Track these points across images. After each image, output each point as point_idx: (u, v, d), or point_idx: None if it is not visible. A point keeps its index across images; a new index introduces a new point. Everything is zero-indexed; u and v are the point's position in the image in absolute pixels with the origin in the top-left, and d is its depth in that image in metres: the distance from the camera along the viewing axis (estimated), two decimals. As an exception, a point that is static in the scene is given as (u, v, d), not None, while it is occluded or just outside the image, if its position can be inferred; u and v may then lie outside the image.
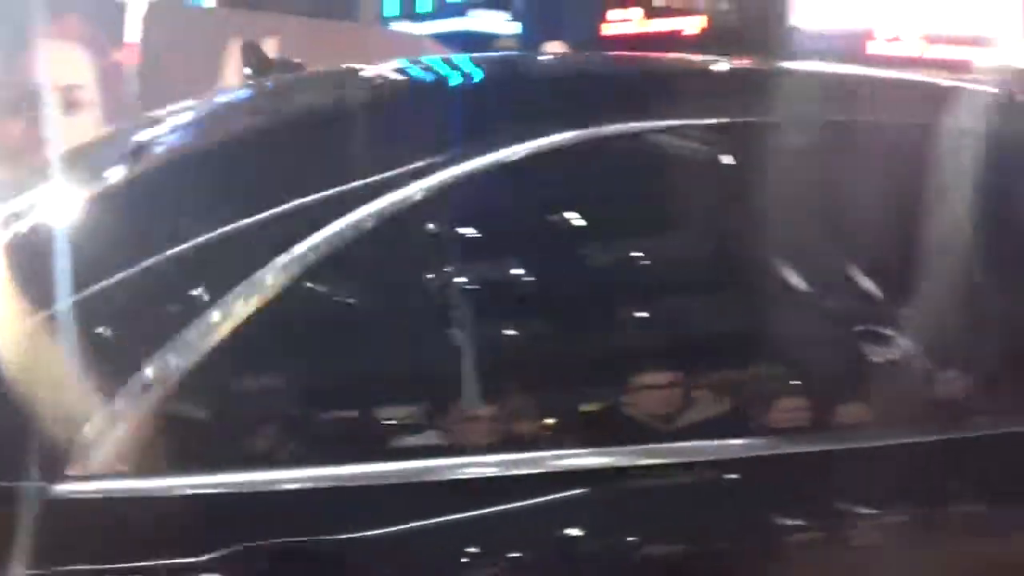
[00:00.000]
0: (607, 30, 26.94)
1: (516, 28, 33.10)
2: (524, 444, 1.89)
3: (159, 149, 2.40)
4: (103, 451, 1.59)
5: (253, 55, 3.03)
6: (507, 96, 2.35)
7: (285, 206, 1.83)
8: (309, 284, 1.80)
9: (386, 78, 2.71)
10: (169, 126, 2.50)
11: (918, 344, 2.14)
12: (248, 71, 2.98)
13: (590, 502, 1.83)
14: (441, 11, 37.74)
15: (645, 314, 2.17)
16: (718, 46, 25.08)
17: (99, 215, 1.99)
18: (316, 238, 1.78)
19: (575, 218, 2.18)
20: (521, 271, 2.09)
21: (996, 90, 2.94)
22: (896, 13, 23.93)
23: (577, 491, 1.82)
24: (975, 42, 23.17)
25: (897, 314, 2.19)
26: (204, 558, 1.58)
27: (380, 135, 2.09)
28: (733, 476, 1.95)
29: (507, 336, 2.05)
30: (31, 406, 1.60)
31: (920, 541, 2.03)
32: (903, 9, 23.98)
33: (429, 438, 1.84)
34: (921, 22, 23.76)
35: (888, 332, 2.16)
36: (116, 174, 2.23)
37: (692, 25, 25.48)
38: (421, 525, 1.71)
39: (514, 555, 1.79)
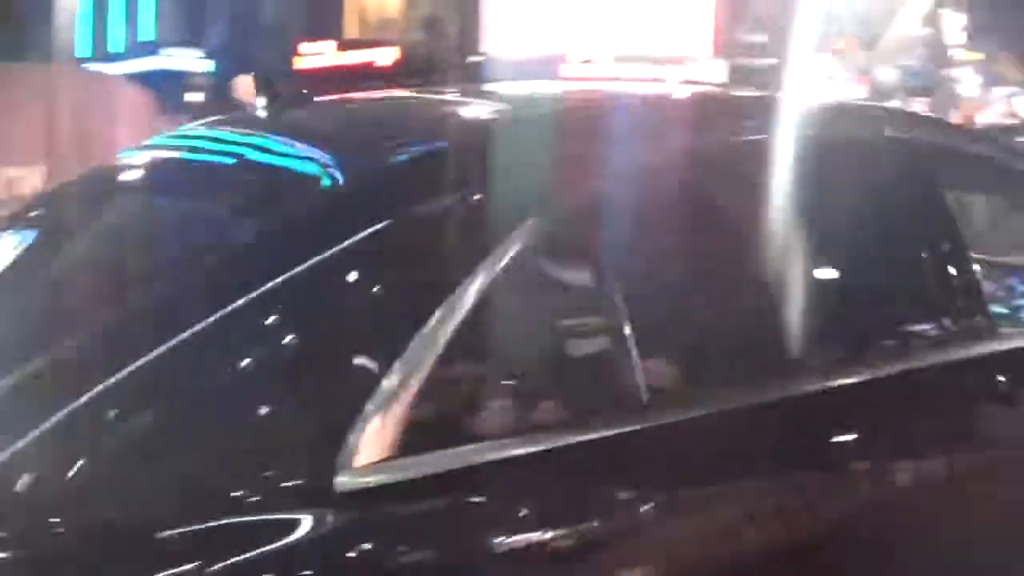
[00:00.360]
0: (300, 63, 26.36)
1: (209, 65, 32.66)
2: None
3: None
4: (373, 442, 2.07)
5: (266, 88, 3.30)
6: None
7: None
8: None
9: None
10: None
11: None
12: (262, 102, 3.25)
13: None
14: (133, 51, 37.66)
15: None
16: (413, 77, 24.92)
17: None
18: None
19: None
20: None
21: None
22: (587, 36, 24.28)
23: None
24: (667, 61, 23.85)
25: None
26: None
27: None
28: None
29: None
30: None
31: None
32: (593, 31, 24.29)
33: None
34: (612, 43, 24.11)
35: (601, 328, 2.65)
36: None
37: (385, 56, 25.16)
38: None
39: None
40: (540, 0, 24.55)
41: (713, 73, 24.25)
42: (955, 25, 55.05)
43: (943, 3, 42.16)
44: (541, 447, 2.32)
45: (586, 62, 23.47)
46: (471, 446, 2.26)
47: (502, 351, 2.48)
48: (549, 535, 2.25)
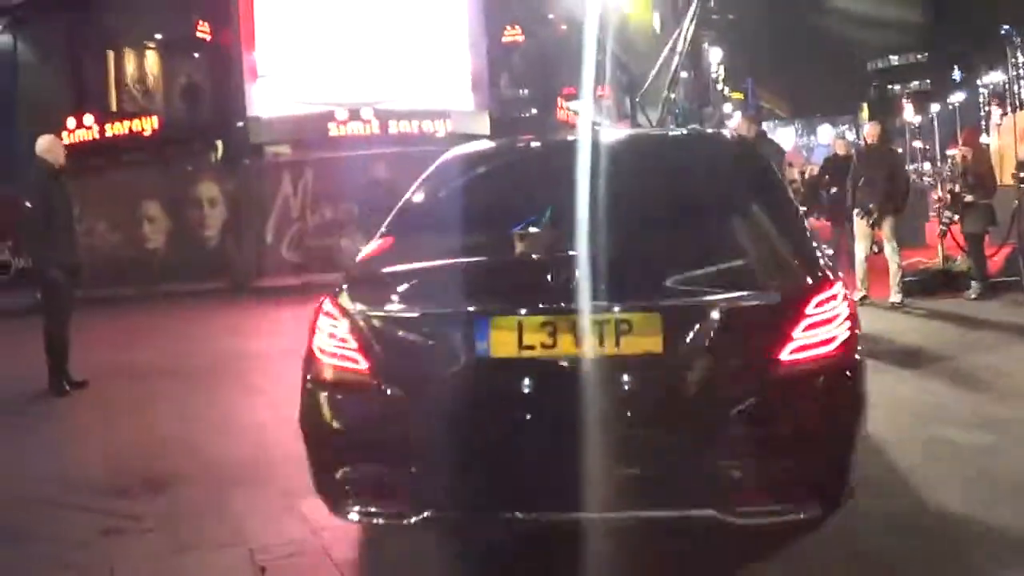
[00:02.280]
0: (67, 138, 25.70)
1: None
2: None
3: None
4: None
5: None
6: None
7: None
8: None
9: None
10: None
11: None
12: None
13: None
14: None
15: None
16: (178, 144, 24.74)
17: None
18: None
19: None
20: None
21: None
22: (350, 93, 24.48)
23: None
24: (429, 115, 24.28)
25: None
26: None
27: None
28: None
29: None
30: None
31: None
32: (357, 89, 24.56)
33: None
34: (375, 100, 24.50)
35: None
36: None
37: (146, 126, 24.84)
38: None
39: None
40: (303, 62, 24.52)
41: (477, 125, 24.91)
42: (713, 61, 57.65)
43: (701, 42, 44.30)
44: None
45: (353, 120, 23.54)
46: None
47: None
48: None
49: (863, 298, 11.28)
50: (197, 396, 8.21)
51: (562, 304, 3.71)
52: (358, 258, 4.51)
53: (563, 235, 3.93)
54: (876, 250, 11.76)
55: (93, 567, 4.48)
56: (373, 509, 3.94)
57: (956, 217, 12.07)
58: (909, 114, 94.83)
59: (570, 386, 3.68)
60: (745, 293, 3.76)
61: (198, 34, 26.17)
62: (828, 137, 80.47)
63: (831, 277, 3.97)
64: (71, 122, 24.99)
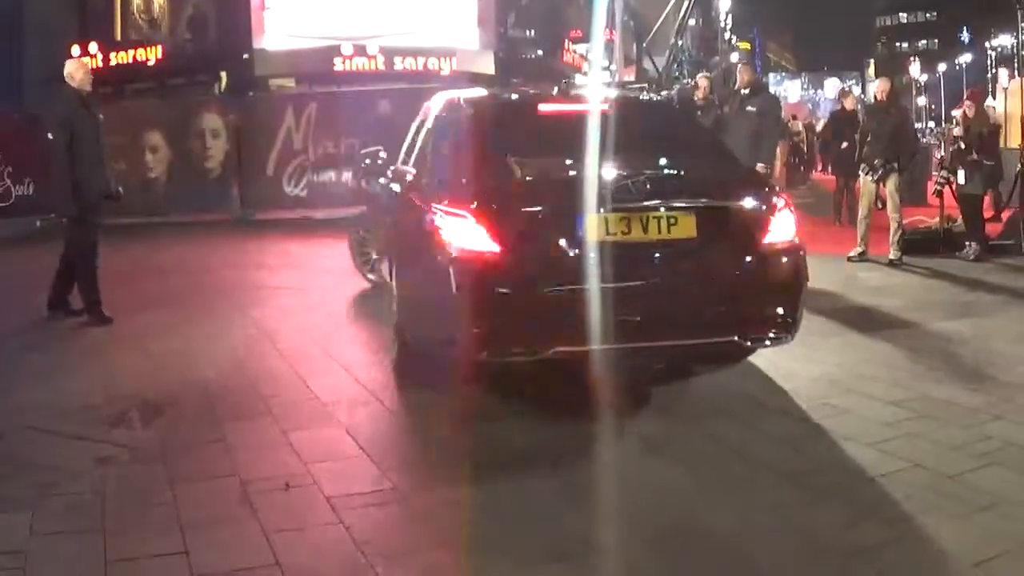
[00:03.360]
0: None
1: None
2: None
3: None
4: None
5: None
6: None
7: None
8: None
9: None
10: None
11: None
12: None
13: None
14: None
15: None
16: (182, 74, 24.62)
17: None
18: None
19: None
20: None
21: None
22: (356, 28, 24.28)
23: None
24: (435, 53, 24.12)
25: None
26: None
27: None
28: None
29: None
30: None
31: None
32: (362, 24, 24.34)
33: None
34: (380, 36, 24.29)
35: None
36: None
37: (151, 56, 24.75)
38: None
39: None
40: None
41: (482, 64, 24.89)
42: (722, 9, 57.14)
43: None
44: None
45: (359, 55, 23.37)
46: None
47: None
48: None
49: (862, 254, 11.29)
50: (196, 327, 8.19)
51: (632, 205, 5.58)
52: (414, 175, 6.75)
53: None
54: (880, 205, 11.75)
55: (87, 496, 4.46)
56: (513, 350, 5.54)
57: (951, 177, 12.06)
58: (916, 72, 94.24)
59: (639, 257, 5.61)
60: (743, 201, 5.89)
61: (205, -36, 26.03)
62: (834, 92, 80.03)
63: (781, 193, 6.17)
64: (75, 50, 24.79)
